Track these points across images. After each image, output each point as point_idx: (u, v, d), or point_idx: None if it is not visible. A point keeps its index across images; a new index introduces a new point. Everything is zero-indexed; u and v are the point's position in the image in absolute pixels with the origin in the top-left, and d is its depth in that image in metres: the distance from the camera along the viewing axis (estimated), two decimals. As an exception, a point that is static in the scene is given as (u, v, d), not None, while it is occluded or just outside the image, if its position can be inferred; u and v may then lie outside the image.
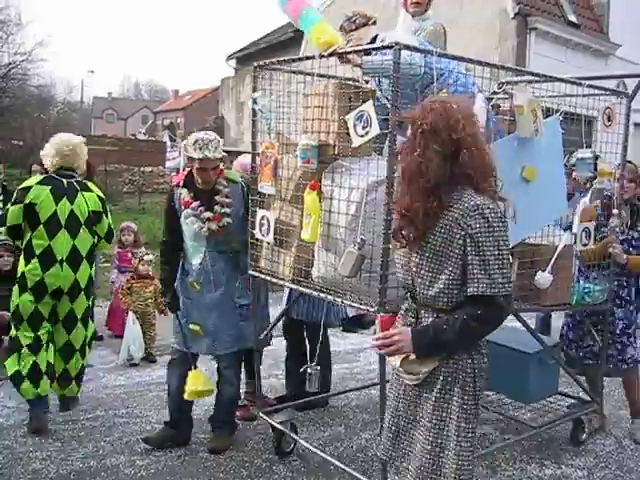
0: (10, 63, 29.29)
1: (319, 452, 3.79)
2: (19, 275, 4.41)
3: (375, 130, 2.88)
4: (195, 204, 3.89)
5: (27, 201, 4.33)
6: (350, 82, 3.33)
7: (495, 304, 2.13)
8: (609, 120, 4.05)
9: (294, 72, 3.74)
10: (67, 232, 4.39)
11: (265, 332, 4.15)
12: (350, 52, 3.17)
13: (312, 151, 3.23)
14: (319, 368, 4.45)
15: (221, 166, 3.99)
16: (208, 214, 3.87)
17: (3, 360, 4.53)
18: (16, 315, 4.40)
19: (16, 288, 4.42)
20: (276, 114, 3.67)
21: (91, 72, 77.00)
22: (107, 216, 4.71)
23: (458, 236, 2.13)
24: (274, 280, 3.72)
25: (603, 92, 4.06)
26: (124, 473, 3.78)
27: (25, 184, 4.49)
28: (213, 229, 3.88)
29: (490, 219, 2.12)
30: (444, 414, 2.25)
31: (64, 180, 4.47)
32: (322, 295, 3.32)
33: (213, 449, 4.06)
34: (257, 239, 3.79)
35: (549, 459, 4.10)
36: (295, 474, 3.83)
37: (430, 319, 2.24)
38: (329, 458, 3.74)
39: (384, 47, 2.90)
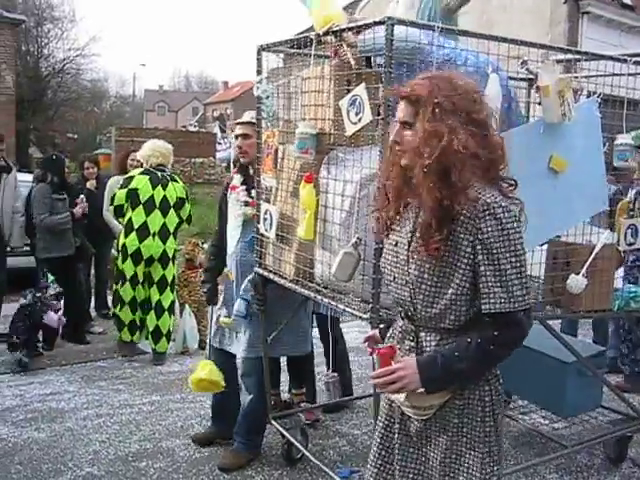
0: (65, 59, 30.01)
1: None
2: (121, 246, 5.73)
3: (367, 117, 2.54)
4: (240, 188, 3.72)
5: (131, 186, 5.62)
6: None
7: (515, 322, 1.78)
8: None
9: (294, 53, 3.41)
10: (160, 212, 5.68)
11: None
12: (344, 30, 2.80)
13: (310, 140, 2.90)
14: (337, 375, 4.18)
15: None
16: (246, 198, 3.68)
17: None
18: (120, 275, 5.78)
19: (120, 256, 5.75)
20: (282, 100, 3.37)
21: (142, 65, 79.02)
22: (188, 202, 6.02)
23: (466, 242, 1.77)
24: (277, 279, 3.41)
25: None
26: (179, 456, 3.92)
27: (129, 174, 5.88)
28: (248, 214, 3.65)
29: (504, 220, 1.75)
30: (463, 459, 1.87)
31: (158, 173, 5.76)
32: (318, 298, 2.99)
33: (221, 467, 3.73)
34: (262, 234, 3.52)
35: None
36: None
37: (433, 343, 1.87)
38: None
39: (376, 23, 2.54)
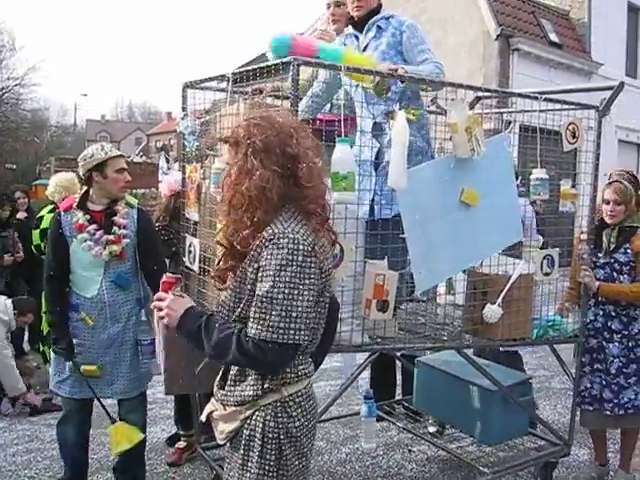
0: (3, 88, 29.33)
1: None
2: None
3: None
4: (92, 227, 3.48)
5: (42, 227, 5.59)
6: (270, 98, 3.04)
7: (260, 349, 1.82)
8: (574, 137, 3.75)
9: (221, 90, 3.45)
10: None
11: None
12: (256, 70, 2.88)
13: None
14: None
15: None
16: (108, 237, 3.47)
17: None
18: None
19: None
20: (204, 135, 3.41)
21: (84, 95, 77.95)
22: None
23: (251, 269, 1.87)
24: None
25: (572, 107, 3.77)
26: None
27: (39, 214, 5.84)
28: (115, 251, 3.48)
29: (286, 250, 1.81)
30: None
31: None
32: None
33: None
34: (187, 267, 3.53)
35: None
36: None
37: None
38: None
39: (284, 64, 2.64)
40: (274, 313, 1.80)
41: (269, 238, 1.83)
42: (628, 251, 3.86)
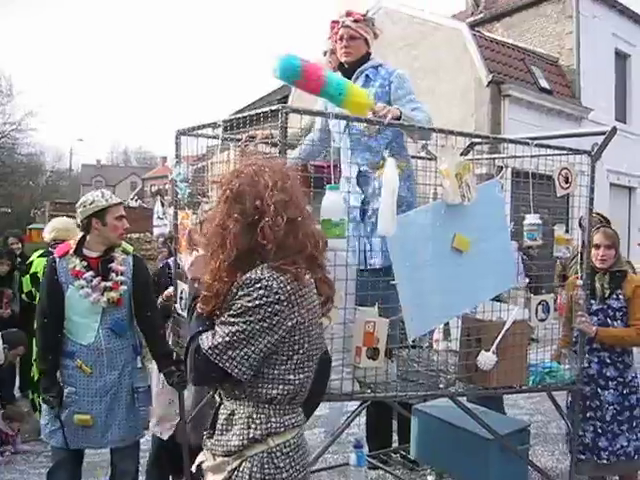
0: (0, 133, 29.58)
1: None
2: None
3: None
4: (89, 274, 3.46)
5: (32, 271, 5.63)
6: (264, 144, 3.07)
7: (198, 355, 1.89)
8: (566, 182, 3.76)
9: (214, 137, 3.48)
10: None
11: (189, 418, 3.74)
12: (246, 118, 2.90)
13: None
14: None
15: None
16: (106, 283, 3.45)
17: None
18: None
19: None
20: (197, 182, 3.42)
21: (80, 140, 78.71)
22: None
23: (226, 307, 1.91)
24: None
25: (564, 152, 3.79)
26: None
27: (30, 259, 5.89)
28: (114, 297, 3.45)
29: (254, 294, 1.84)
30: None
31: None
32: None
33: None
34: (178, 314, 3.52)
35: None
36: None
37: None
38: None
39: (272, 111, 2.66)
40: (224, 336, 1.86)
41: (245, 282, 1.86)
42: (620, 297, 3.86)
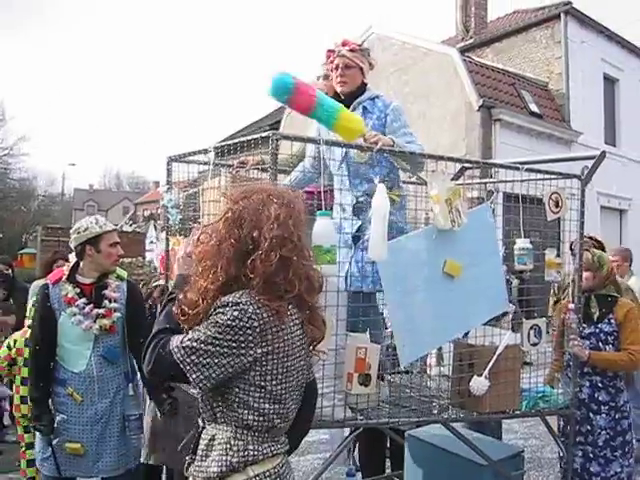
0: (-9, 158, 29.62)
1: None
2: None
3: None
4: (81, 301, 3.44)
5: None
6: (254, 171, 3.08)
7: (161, 351, 1.90)
8: (557, 206, 3.78)
9: (205, 163, 3.49)
10: None
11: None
12: (237, 144, 2.92)
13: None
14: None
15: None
16: (98, 310, 3.44)
17: None
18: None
19: None
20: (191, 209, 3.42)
21: (72, 165, 78.96)
22: None
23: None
24: (184, 387, 3.31)
25: (554, 176, 3.82)
26: None
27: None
28: (106, 324, 3.44)
29: (228, 314, 1.84)
30: None
31: None
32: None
33: None
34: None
35: None
36: None
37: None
38: None
39: (262, 138, 2.66)
40: (192, 341, 1.85)
41: (223, 303, 1.87)
42: (612, 321, 3.86)
